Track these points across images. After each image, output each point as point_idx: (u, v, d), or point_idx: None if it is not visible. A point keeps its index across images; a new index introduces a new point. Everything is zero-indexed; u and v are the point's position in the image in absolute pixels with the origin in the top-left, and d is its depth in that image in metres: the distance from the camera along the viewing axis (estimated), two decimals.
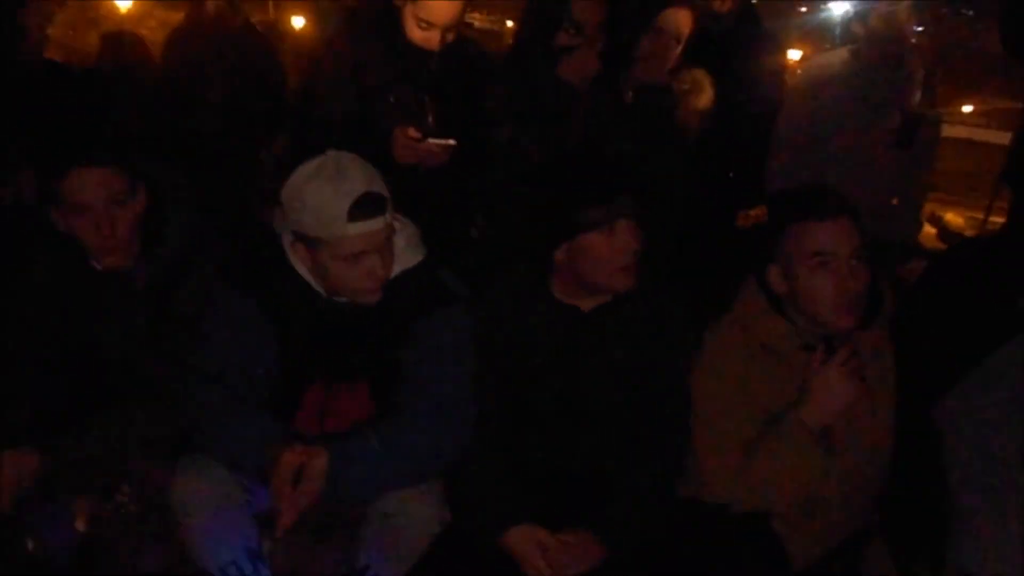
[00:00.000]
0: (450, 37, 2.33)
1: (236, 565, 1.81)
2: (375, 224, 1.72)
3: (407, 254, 1.87)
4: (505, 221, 2.36)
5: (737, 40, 2.94)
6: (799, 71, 3.27)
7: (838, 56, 3.17)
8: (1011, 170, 3.13)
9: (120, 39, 3.97)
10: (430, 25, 2.28)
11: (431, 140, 2.23)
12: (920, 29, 3.16)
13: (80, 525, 2.07)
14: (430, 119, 2.27)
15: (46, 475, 1.94)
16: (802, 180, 2.98)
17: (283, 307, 1.83)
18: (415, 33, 2.31)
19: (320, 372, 1.89)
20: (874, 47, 3.05)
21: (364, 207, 1.69)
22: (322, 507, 1.97)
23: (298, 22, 4.14)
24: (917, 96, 3.05)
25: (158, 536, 2.00)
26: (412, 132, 2.24)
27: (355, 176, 1.72)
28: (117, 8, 4.48)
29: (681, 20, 2.38)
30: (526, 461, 1.92)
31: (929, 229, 4.88)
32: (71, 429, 1.96)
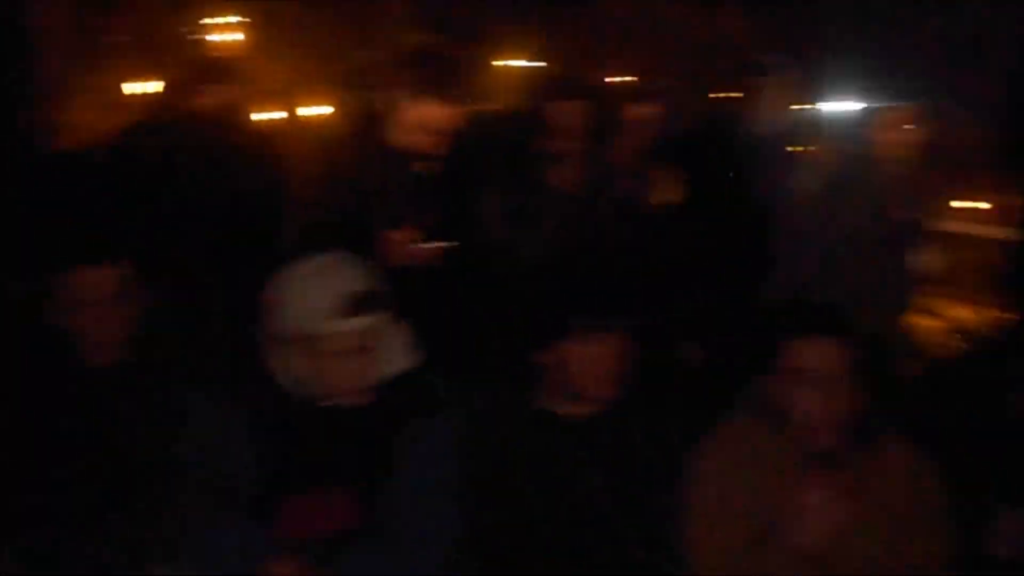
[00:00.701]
0: (446, 141, 2.38)
1: None
2: (367, 321, 1.73)
3: (400, 357, 1.85)
4: (496, 323, 2.36)
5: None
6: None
7: (843, 156, 3.23)
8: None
9: None
10: (425, 131, 2.34)
11: (421, 244, 2.25)
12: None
13: None
14: (422, 223, 2.29)
15: None
16: (801, 279, 3.06)
17: (267, 412, 1.81)
18: (404, 137, 2.35)
19: (305, 478, 1.85)
20: (872, 151, 3.13)
21: (356, 303, 1.71)
22: None
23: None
24: (910, 200, 3.11)
25: None
26: (402, 235, 2.26)
27: (348, 274, 1.74)
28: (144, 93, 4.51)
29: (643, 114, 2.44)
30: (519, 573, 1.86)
31: (932, 323, 4.88)
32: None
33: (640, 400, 1.91)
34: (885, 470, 1.77)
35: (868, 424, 1.79)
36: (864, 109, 3.23)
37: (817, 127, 3.57)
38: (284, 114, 4.59)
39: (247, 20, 5.39)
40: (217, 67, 3.62)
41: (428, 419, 1.82)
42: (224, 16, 5.39)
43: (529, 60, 5.96)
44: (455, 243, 2.30)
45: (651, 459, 1.88)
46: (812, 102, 3.54)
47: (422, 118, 2.31)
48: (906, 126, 3.07)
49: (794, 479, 1.76)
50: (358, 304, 1.71)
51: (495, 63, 6.03)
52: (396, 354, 1.84)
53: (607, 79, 4.24)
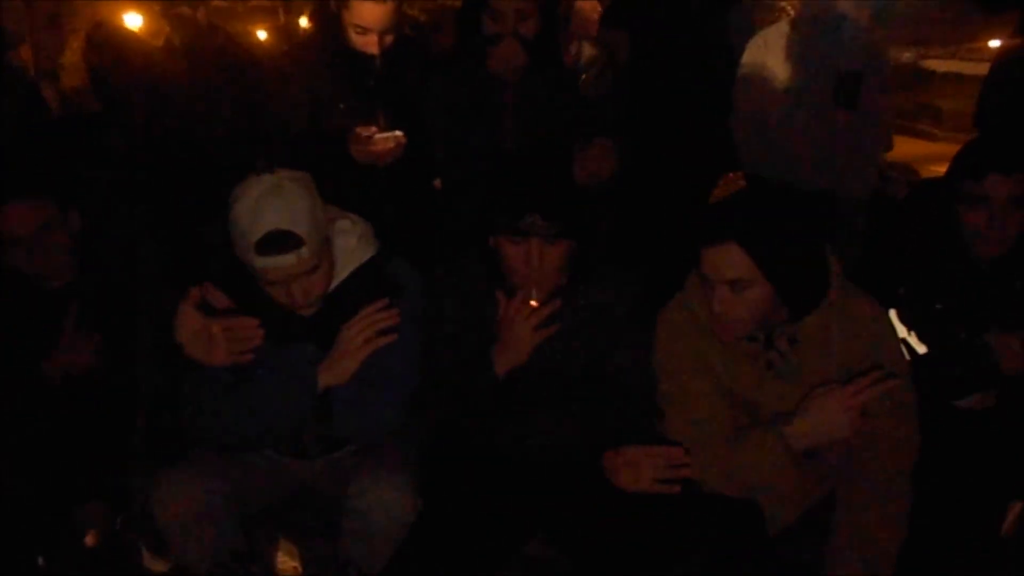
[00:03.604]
0: (388, 40, 2.39)
1: (223, 567, 1.89)
2: (283, 260, 1.74)
3: (358, 251, 1.93)
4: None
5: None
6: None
7: (778, 29, 3.21)
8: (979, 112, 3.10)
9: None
10: (365, 30, 2.35)
11: (379, 135, 2.31)
12: None
13: (90, 540, 2.19)
14: (380, 121, 2.33)
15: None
16: (762, 151, 3.11)
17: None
18: (354, 39, 2.38)
19: None
20: (807, 15, 3.13)
21: (270, 244, 1.72)
22: (306, 508, 2.10)
23: (261, 35, 4.17)
24: (854, 57, 3.04)
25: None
26: (364, 130, 2.31)
27: (271, 211, 1.72)
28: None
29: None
30: (497, 447, 1.94)
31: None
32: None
33: (600, 275, 1.94)
34: (811, 334, 1.79)
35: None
36: None
37: None
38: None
39: None
40: None
41: (391, 303, 1.87)
42: None
43: None
44: (415, 136, 2.34)
45: (615, 332, 1.93)
46: None
47: (361, 17, 2.33)
48: None
49: (745, 347, 1.83)
50: (271, 245, 1.72)
51: None
52: (356, 249, 1.92)
53: None
